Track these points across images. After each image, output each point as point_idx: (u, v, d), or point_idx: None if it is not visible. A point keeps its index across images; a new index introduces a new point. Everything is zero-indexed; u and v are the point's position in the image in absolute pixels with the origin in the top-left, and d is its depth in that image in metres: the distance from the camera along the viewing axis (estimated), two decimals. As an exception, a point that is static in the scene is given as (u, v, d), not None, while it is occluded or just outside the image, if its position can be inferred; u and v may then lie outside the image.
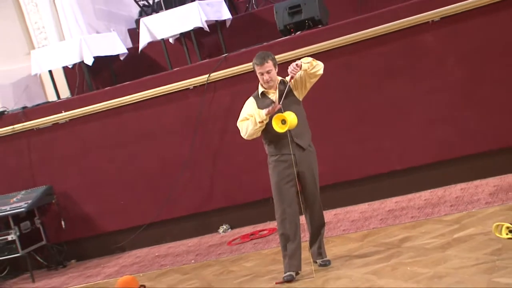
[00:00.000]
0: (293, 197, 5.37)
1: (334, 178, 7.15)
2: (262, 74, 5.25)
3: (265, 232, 7.13)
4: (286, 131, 5.19)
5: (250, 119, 5.26)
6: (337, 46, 7.05)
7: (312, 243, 5.56)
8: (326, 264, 5.49)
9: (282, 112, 5.17)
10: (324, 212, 7.11)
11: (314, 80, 5.33)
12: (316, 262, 5.52)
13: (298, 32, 7.36)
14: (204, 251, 7.10)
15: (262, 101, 5.30)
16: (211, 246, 7.20)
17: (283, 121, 5.13)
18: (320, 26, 7.29)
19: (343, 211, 7.06)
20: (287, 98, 5.23)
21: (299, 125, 5.22)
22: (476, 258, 4.73)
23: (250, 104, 5.34)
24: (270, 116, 5.20)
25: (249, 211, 7.54)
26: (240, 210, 7.61)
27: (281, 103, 5.20)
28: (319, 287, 5.11)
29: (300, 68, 5.15)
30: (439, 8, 6.68)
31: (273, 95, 5.29)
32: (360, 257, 5.54)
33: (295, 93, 5.34)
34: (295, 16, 7.29)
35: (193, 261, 6.84)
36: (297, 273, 5.40)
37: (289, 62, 7.01)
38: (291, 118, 5.12)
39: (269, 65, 5.23)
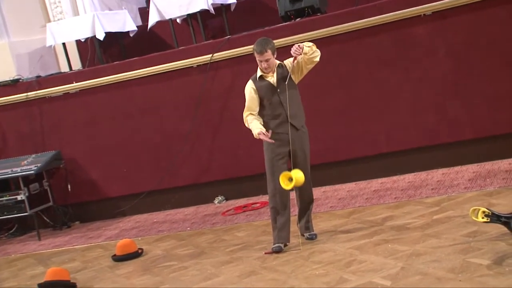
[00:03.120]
0: None
1: (324, 157, 7.08)
2: (261, 61, 5.19)
3: (257, 205, 7.07)
4: (283, 111, 5.18)
5: (251, 123, 5.24)
6: (333, 34, 6.94)
7: (300, 217, 5.50)
8: (312, 238, 5.44)
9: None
10: (313, 189, 7.02)
11: (310, 66, 5.24)
12: (304, 236, 5.47)
13: (298, 19, 7.24)
14: (199, 220, 7.04)
15: (260, 83, 5.25)
16: (206, 216, 7.15)
17: (290, 179, 5.05)
18: (318, 14, 7.17)
19: (332, 189, 7.00)
20: (285, 82, 5.19)
21: (294, 107, 5.20)
22: (453, 238, 4.68)
23: (249, 91, 5.26)
24: (268, 92, 5.20)
25: (243, 184, 7.48)
26: (235, 183, 7.54)
27: (280, 87, 5.19)
28: (304, 259, 5.05)
29: (302, 50, 5.08)
30: (431, 3, 6.57)
31: (271, 78, 5.24)
32: (344, 232, 5.49)
33: (292, 77, 5.26)
34: (295, 4, 7.17)
35: (188, 228, 6.78)
36: (285, 245, 5.35)
37: (289, 47, 6.85)
38: (298, 176, 5.04)
39: (268, 54, 5.15)
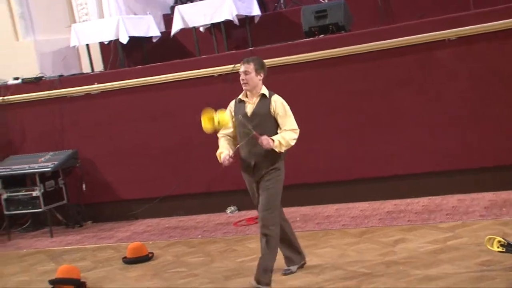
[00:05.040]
0: None
1: (339, 175, 7.08)
2: (240, 73, 4.85)
3: (269, 217, 7.02)
4: (247, 147, 4.74)
5: (220, 143, 4.92)
6: (355, 53, 6.94)
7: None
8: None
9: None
10: (326, 206, 7.11)
11: None
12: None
13: (322, 35, 7.23)
14: (211, 228, 7.02)
15: (239, 107, 4.87)
16: (218, 225, 7.12)
17: (213, 120, 4.64)
18: (342, 32, 7.16)
19: (345, 207, 6.96)
20: (258, 115, 4.76)
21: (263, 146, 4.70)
22: (466, 266, 4.63)
23: (227, 110, 4.89)
24: (240, 121, 4.76)
25: (255, 195, 7.44)
26: (248, 194, 7.46)
27: (253, 121, 4.73)
28: (314, 276, 5.02)
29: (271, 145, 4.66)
30: (457, 28, 6.55)
31: (249, 106, 4.81)
32: (356, 251, 5.46)
33: (272, 114, 4.80)
34: (320, 20, 7.16)
35: (200, 236, 6.76)
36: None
37: (310, 63, 7.05)
38: (222, 117, 4.64)
39: (250, 67, 4.78)
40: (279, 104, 4.81)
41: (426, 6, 7.54)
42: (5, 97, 8.04)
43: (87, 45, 8.73)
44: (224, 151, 4.86)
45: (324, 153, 7.15)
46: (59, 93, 7.93)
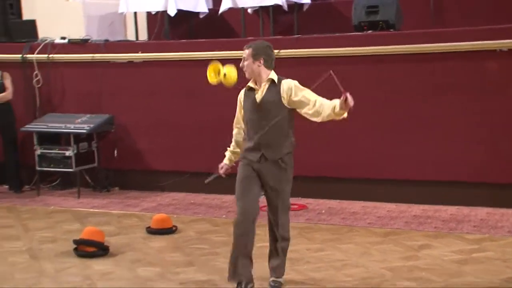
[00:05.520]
0: None
1: (369, 172, 7.05)
2: None
3: (295, 206, 7.02)
4: (256, 136, 4.41)
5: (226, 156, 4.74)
6: (403, 53, 6.85)
7: (270, 257, 4.86)
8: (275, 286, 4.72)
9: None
10: (353, 202, 7.09)
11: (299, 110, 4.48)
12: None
13: (370, 31, 7.16)
14: (236, 210, 7.02)
15: (247, 95, 4.53)
16: (244, 207, 7.12)
17: (219, 72, 4.39)
18: (392, 30, 7.08)
19: (372, 205, 6.93)
20: (267, 102, 4.42)
21: (273, 135, 4.42)
22: (490, 280, 4.59)
23: (238, 100, 4.60)
24: (249, 109, 4.44)
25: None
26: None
27: (263, 108, 4.42)
28: (336, 270, 5.02)
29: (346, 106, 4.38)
30: (510, 39, 6.43)
31: (258, 93, 4.46)
32: (379, 251, 5.44)
33: (284, 101, 4.43)
34: (371, 16, 7.08)
35: (224, 216, 6.80)
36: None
37: (356, 57, 6.99)
38: (230, 71, 4.36)
39: (246, 54, 4.43)
40: (289, 87, 4.42)
41: (479, 14, 7.42)
42: (50, 55, 8.12)
43: (135, 13, 8.76)
44: (225, 162, 4.75)
45: (357, 149, 7.11)
46: (102, 57, 7.98)
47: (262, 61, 4.44)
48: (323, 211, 6.79)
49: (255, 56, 4.43)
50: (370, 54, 6.92)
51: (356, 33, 7.17)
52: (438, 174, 6.82)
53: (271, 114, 4.40)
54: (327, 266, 5.13)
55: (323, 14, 8.38)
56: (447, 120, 6.78)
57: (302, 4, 8.36)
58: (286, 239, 4.72)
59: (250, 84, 4.54)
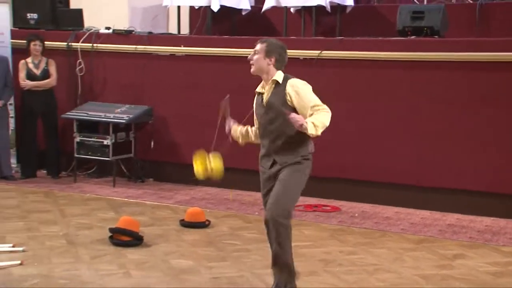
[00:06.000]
0: None
1: (405, 178, 7.01)
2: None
3: (328, 208, 7.03)
4: (266, 141, 4.25)
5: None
6: (446, 60, 6.80)
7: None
8: None
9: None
10: (386, 207, 7.06)
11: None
12: None
13: (414, 37, 7.10)
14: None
15: (258, 100, 4.36)
16: (276, 205, 7.14)
17: (205, 165, 4.30)
18: (436, 36, 7.01)
19: (405, 211, 6.88)
20: (273, 104, 4.19)
21: (284, 140, 4.20)
22: (526, 295, 4.53)
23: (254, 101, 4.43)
24: (258, 110, 4.28)
25: (317, 184, 7.40)
26: (309, 181, 7.46)
27: (270, 110, 4.20)
28: (368, 274, 5.01)
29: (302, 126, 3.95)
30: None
31: (265, 94, 4.26)
32: (412, 258, 5.41)
33: (289, 102, 4.18)
34: (416, 21, 7.02)
35: (256, 213, 6.82)
36: None
37: (398, 62, 6.95)
38: (216, 165, 4.25)
39: (259, 48, 4.20)
40: (293, 88, 4.13)
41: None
42: (95, 45, 8.24)
43: (179, 6, 8.82)
44: (237, 127, 4.51)
45: (394, 154, 7.07)
46: (145, 49, 8.07)
47: (273, 60, 4.22)
48: (356, 214, 6.77)
49: (268, 53, 4.20)
50: (412, 59, 6.88)
51: (400, 37, 7.12)
52: (474, 184, 6.75)
53: (280, 117, 4.14)
54: (360, 269, 5.12)
55: (365, 17, 8.34)
56: (486, 130, 6.70)
57: (345, 6, 8.34)
58: (287, 265, 4.24)
59: (258, 89, 4.35)
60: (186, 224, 6.23)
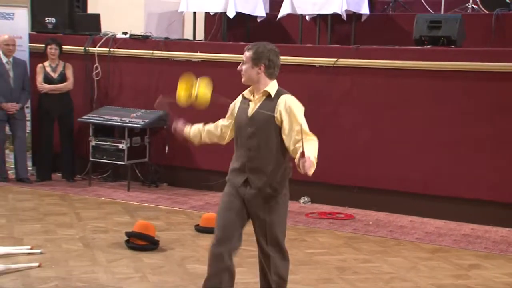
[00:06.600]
0: None
1: (419, 187, 7.00)
2: None
3: (342, 215, 7.03)
4: (243, 156, 3.83)
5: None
6: (463, 70, 6.80)
7: None
8: None
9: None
10: (401, 216, 7.05)
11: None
12: None
13: (430, 46, 7.11)
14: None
15: (242, 107, 3.93)
16: (289, 212, 6.96)
17: (190, 90, 3.91)
18: (453, 46, 7.01)
19: (419, 220, 6.88)
20: (259, 119, 3.80)
21: (263, 157, 3.77)
22: (543, 307, 4.51)
23: (230, 109, 4.07)
24: (240, 120, 3.86)
25: (331, 191, 7.45)
26: (323, 188, 7.51)
27: (255, 124, 3.80)
28: (384, 283, 5.00)
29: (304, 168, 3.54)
30: None
31: (252, 104, 3.86)
32: (428, 267, 5.40)
33: (277, 121, 3.79)
34: (433, 30, 7.02)
35: (271, 219, 6.81)
36: None
37: (414, 71, 6.95)
38: (202, 92, 3.90)
39: (245, 56, 3.84)
40: (285, 106, 3.73)
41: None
42: (112, 49, 8.29)
43: (194, 13, 8.86)
44: (185, 125, 4.17)
45: (408, 162, 7.06)
46: (161, 55, 8.11)
47: (262, 68, 3.80)
48: (370, 223, 6.76)
49: (254, 61, 3.80)
50: (429, 69, 6.88)
51: (417, 47, 7.12)
52: (489, 194, 6.73)
53: (262, 133, 3.77)
54: (375, 278, 5.11)
55: (381, 26, 8.35)
56: (503, 140, 6.69)
57: (360, 15, 8.36)
58: (283, 280, 3.98)
59: (246, 93, 3.93)
60: (202, 229, 6.23)
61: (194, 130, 4.21)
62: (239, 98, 3.98)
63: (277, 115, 3.75)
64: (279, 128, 3.76)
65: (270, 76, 3.86)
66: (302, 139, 3.59)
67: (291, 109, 3.74)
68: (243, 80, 3.90)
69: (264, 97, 3.83)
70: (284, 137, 3.76)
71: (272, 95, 3.81)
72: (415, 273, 5.25)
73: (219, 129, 4.11)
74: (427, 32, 7.03)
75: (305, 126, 3.74)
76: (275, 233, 3.91)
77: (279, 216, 3.91)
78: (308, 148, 3.57)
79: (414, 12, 8.08)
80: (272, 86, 3.85)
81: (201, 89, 4.00)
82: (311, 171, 3.54)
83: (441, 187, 6.95)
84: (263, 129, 3.77)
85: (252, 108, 3.83)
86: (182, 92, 4.03)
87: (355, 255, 5.70)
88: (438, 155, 6.93)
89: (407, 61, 6.94)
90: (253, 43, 3.91)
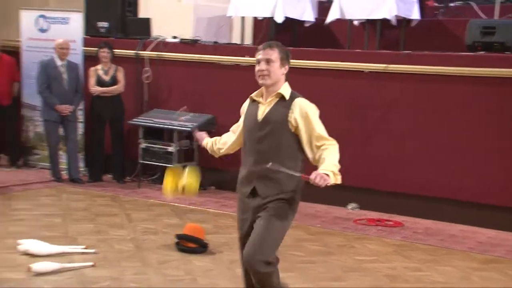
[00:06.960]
0: None
1: (470, 196, 6.88)
2: (258, 62, 3.62)
3: (390, 222, 6.96)
4: (250, 161, 3.70)
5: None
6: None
7: None
8: None
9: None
10: (450, 224, 6.93)
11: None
12: None
13: (483, 52, 6.98)
14: (330, 220, 7.04)
15: (250, 110, 3.75)
16: (337, 218, 7.12)
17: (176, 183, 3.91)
18: (508, 52, 6.87)
19: (470, 230, 6.75)
20: (270, 122, 3.63)
21: (272, 162, 3.53)
22: None
23: (242, 107, 3.91)
24: (249, 124, 3.74)
25: (380, 198, 7.38)
26: (371, 194, 7.45)
27: (265, 127, 3.63)
28: (437, 292, 4.94)
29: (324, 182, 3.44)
30: None
31: (262, 107, 3.67)
32: (481, 278, 5.29)
33: (290, 125, 3.63)
34: (486, 36, 6.90)
35: (318, 225, 6.80)
36: None
37: (467, 77, 6.83)
38: (189, 182, 3.87)
39: (274, 53, 3.58)
40: (301, 111, 3.57)
41: None
42: (162, 53, 8.39)
43: (243, 17, 8.91)
44: (206, 138, 4.14)
45: (458, 170, 6.95)
46: (210, 59, 8.17)
47: (287, 68, 3.68)
48: (420, 231, 6.67)
49: (283, 61, 3.63)
50: (482, 75, 6.76)
51: (469, 53, 7.00)
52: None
53: (273, 136, 3.59)
54: (427, 287, 5.04)
55: (431, 31, 8.24)
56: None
57: (410, 20, 8.26)
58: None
59: (255, 96, 3.77)
60: (249, 234, 6.24)
61: (210, 147, 4.17)
62: (247, 101, 3.84)
63: (291, 119, 3.60)
64: (291, 132, 3.61)
65: (285, 78, 3.73)
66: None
67: (307, 115, 3.60)
68: (268, 81, 3.64)
69: (276, 99, 3.66)
70: (304, 147, 3.62)
71: (287, 98, 3.65)
72: (467, 283, 5.16)
73: (237, 134, 3.96)
74: (481, 38, 6.91)
75: (323, 131, 3.63)
76: (273, 232, 3.64)
77: (280, 221, 3.65)
78: (327, 159, 3.49)
79: (465, 18, 7.94)
80: (286, 88, 3.69)
81: (188, 180, 3.95)
82: (326, 183, 3.43)
83: (493, 195, 6.81)
84: (274, 133, 3.60)
85: (263, 111, 3.67)
86: (168, 185, 3.98)
87: (405, 263, 5.63)
88: (490, 163, 6.80)
89: (459, 67, 6.84)
90: (267, 42, 3.72)
